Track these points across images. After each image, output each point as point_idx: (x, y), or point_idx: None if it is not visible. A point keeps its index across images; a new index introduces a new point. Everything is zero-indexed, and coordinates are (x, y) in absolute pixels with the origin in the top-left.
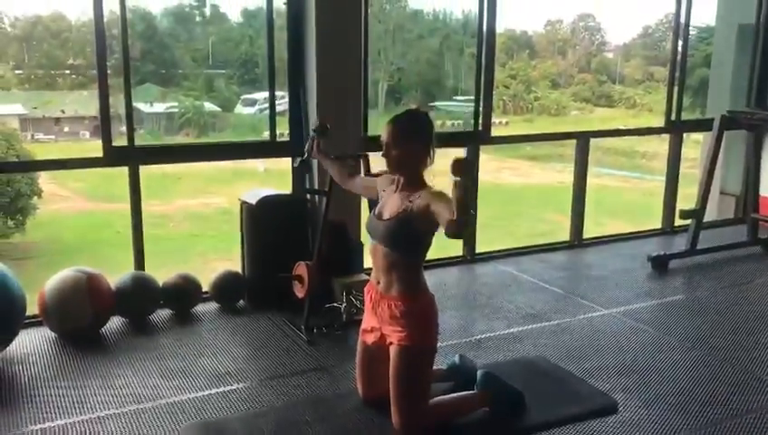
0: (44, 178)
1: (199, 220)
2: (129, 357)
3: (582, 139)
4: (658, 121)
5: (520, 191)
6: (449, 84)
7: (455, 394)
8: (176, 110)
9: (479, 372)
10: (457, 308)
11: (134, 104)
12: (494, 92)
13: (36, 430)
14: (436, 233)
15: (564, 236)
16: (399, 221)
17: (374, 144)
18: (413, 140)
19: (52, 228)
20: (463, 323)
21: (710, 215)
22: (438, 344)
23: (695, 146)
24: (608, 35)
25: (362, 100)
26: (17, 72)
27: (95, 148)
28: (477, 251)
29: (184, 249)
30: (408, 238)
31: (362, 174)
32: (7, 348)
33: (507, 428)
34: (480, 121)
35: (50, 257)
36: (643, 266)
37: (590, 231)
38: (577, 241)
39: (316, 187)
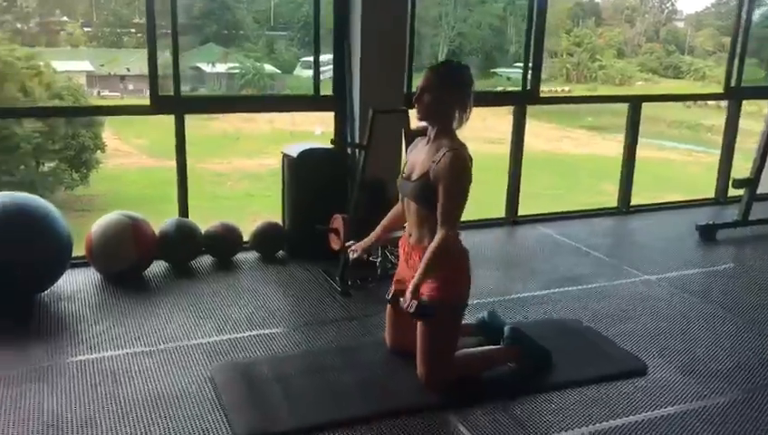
0: (108, 134)
1: (255, 180)
2: (169, 299)
3: (634, 103)
4: None
5: (579, 162)
6: (511, 50)
7: (481, 348)
8: (237, 70)
9: (506, 328)
10: (495, 268)
11: (196, 64)
12: (555, 59)
13: (76, 362)
14: (466, 201)
15: (613, 205)
16: (423, 184)
17: None
18: (447, 89)
19: (114, 183)
20: (499, 283)
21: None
22: (473, 302)
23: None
24: (679, 3)
25: (407, 55)
26: (86, 29)
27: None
28: (520, 214)
29: (240, 208)
30: (433, 198)
31: (402, 130)
32: (56, 285)
33: (532, 383)
34: (529, 81)
35: (110, 211)
36: (690, 235)
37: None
38: (624, 208)
39: (357, 141)
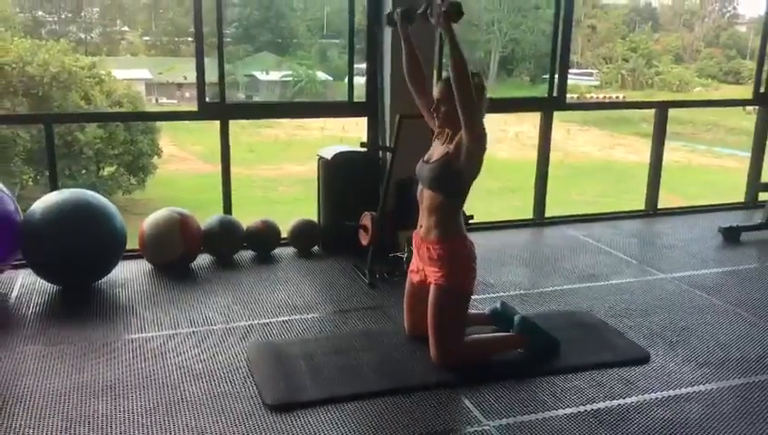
0: (165, 141)
1: (305, 185)
2: (211, 288)
3: (660, 108)
4: None
5: (632, 169)
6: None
7: (490, 334)
8: (290, 78)
9: (516, 317)
10: (518, 265)
11: (251, 72)
12: (611, 65)
13: (128, 340)
14: (475, 178)
15: None
16: (441, 164)
17: None
18: None
19: (170, 187)
20: (520, 278)
21: None
22: (497, 294)
23: None
24: (741, 7)
25: (436, 63)
26: (145, 38)
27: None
28: (547, 215)
29: (291, 212)
30: (449, 179)
31: None
32: (111, 274)
33: (538, 368)
34: (555, 86)
35: None
36: (714, 237)
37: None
38: (652, 210)
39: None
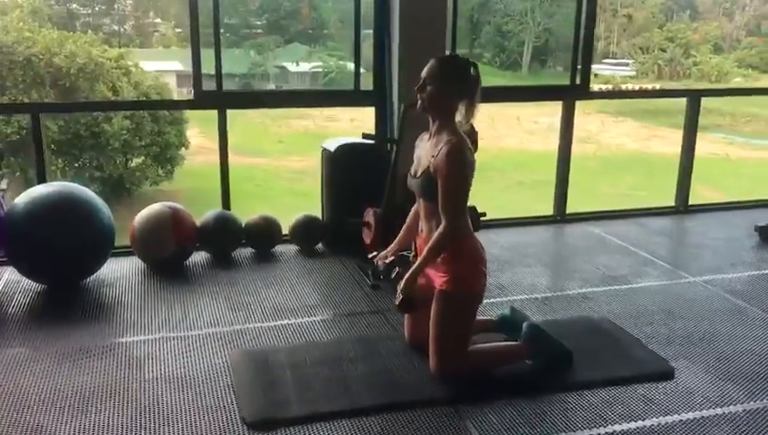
0: (193, 132)
1: None
2: (205, 289)
3: (692, 97)
4: None
5: (668, 161)
6: (600, 47)
7: (495, 343)
8: (320, 69)
9: (524, 325)
10: (531, 265)
11: (282, 63)
12: (647, 55)
13: (111, 344)
14: (467, 192)
15: None
16: (426, 180)
17: None
18: (450, 81)
19: (197, 178)
20: (535, 280)
21: None
22: (511, 298)
23: None
24: None
25: (451, 46)
26: (177, 30)
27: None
28: (572, 210)
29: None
30: (436, 192)
31: None
32: (101, 272)
33: (547, 382)
34: (578, 74)
35: (192, 206)
36: (749, 236)
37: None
38: (682, 207)
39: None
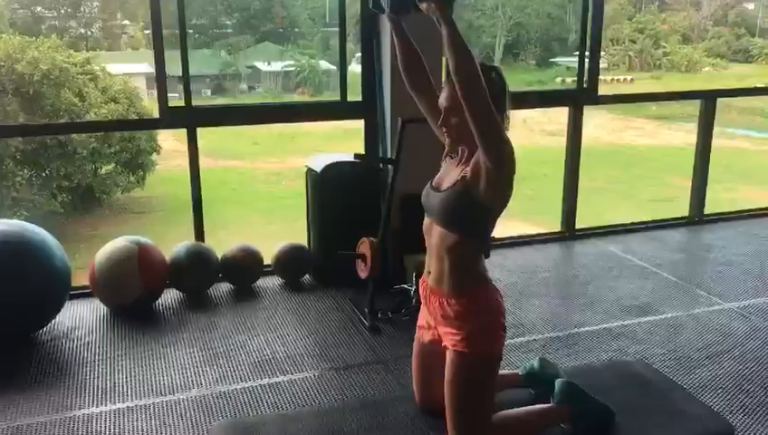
0: (165, 135)
1: None
2: (178, 337)
3: (708, 99)
4: None
5: (644, 153)
6: (572, 39)
7: (525, 408)
8: (292, 68)
9: (558, 382)
10: (547, 295)
11: (253, 63)
12: (618, 46)
13: (62, 419)
14: (503, 208)
15: (684, 198)
16: (457, 193)
17: None
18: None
19: (171, 184)
20: (551, 313)
21: None
22: (520, 340)
23: None
24: None
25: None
26: (146, 31)
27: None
28: (578, 227)
29: (294, 207)
30: (469, 213)
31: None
32: (57, 319)
33: None
34: (586, 78)
35: (167, 212)
36: None
37: (718, 198)
38: (698, 217)
39: (389, 154)
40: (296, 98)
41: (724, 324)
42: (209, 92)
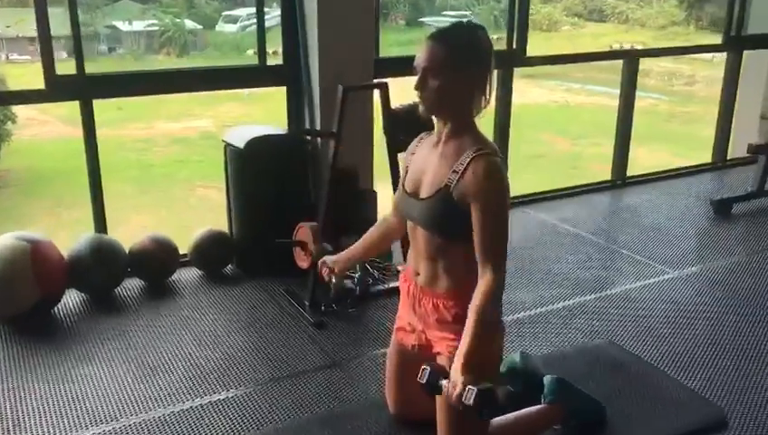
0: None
1: (184, 145)
2: (89, 349)
3: (630, 59)
4: (651, 36)
5: (516, 111)
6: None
7: (519, 412)
8: (155, 28)
9: (547, 379)
10: None
11: (112, 22)
12: (483, 6)
13: None
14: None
15: (554, 154)
16: (443, 201)
17: (390, 68)
18: (464, 68)
19: (30, 155)
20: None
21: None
22: None
23: None
24: None
25: (374, 13)
26: None
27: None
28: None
29: (169, 175)
30: (456, 219)
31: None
32: None
33: None
34: (515, 39)
35: (27, 186)
36: (699, 209)
37: (586, 153)
38: (620, 180)
39: (318, 125)
40: (161, 59)
41: (675, 295)
42: (65, 54)
